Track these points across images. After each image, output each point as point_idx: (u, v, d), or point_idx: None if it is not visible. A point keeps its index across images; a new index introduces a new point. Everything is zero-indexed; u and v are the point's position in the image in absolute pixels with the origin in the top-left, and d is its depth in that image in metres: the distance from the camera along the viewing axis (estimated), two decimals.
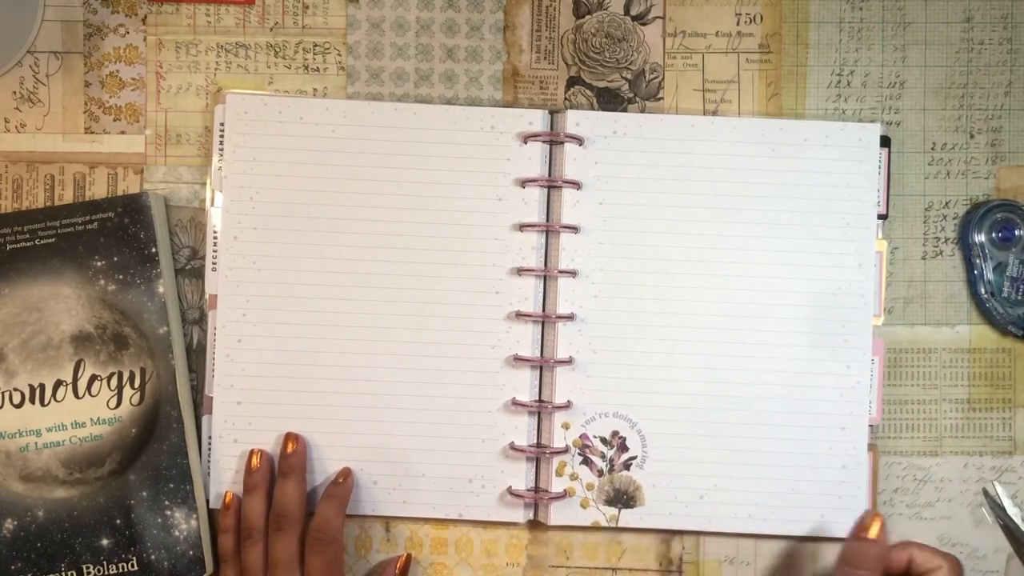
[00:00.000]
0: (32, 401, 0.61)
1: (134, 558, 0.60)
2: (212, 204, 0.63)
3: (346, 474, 0.62)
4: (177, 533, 0.61)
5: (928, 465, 0.64)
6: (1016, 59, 0.65)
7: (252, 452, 0.62)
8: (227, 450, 0.62)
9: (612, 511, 0.62)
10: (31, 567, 0.60)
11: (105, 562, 0.60)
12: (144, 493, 0.61)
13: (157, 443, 0.61)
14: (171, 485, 0.61)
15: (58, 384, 0.61)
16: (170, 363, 0.61)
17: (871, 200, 0.63)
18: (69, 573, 0.60)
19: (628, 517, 0.62)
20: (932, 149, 0.65)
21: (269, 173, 0.63)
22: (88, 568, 0.60)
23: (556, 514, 0.62)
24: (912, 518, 0.64)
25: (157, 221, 0.62)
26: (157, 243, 0.62)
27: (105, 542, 0.60)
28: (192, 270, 0.64)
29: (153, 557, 0.61)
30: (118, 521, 0.61)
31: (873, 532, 0.56)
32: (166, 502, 0.61)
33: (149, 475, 0.61)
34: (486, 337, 0.62)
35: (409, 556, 0.63)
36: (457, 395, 0.62)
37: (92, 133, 0.64)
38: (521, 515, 0.62)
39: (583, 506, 0.62)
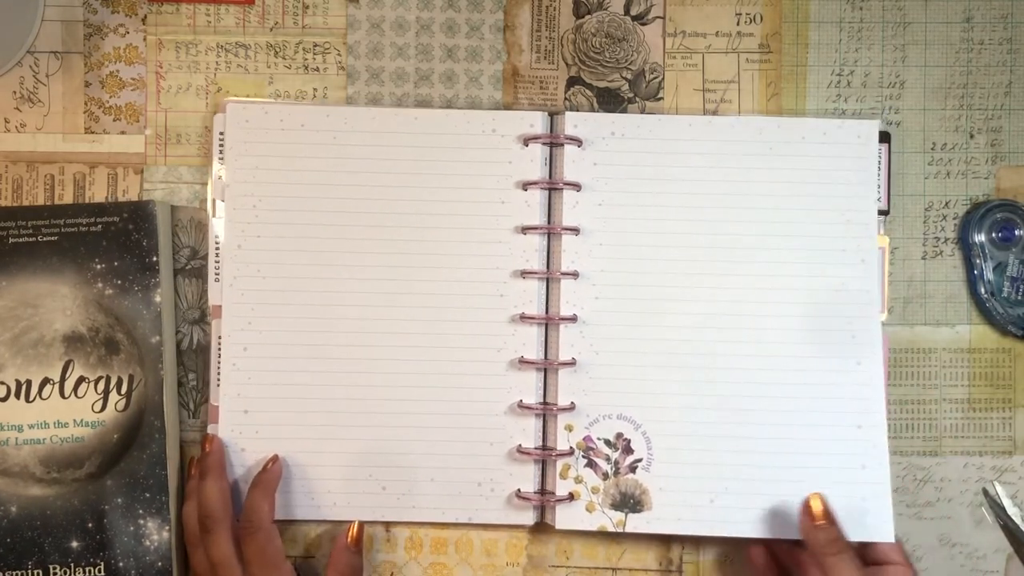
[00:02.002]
0: (17, 396, 0.61)
1: (102, 563, 0.60)
2: (213, 215, 0.63)
3: (273, 460, 0.61)
4: (148, 543, 0.61)
5: (928, 465, 0.64)
6: (1016, 59, 0.65)
7: (190, 460, 0.63)
8: (235, 459, 0.62)
9: (619, 515, 0.61)
10: None
11: (73, 564, 0.60)
12: (119, 500, 0.61)
13: (137, 451, 0.61)
14: (147, 495, 0.61)
15: (45, 382, 0.61)
16: (159, 373, 0.61)
17: (871, 196, 0.63)
18: (36, 572, 0.60)
19: (636, 522, 0.61)
20: (932, 149, 0.65)
21: (271, 181, 0.63)
22: (55, 569, 0.60)
23: (562, 517, 0.62)
24: (912, 518, 0.64)
25: (161, 231, 0.62)
26: (159, 253, 0.62)
27: (75, 544, 0.60)
28: (192, 270, 0.64)
29: (121, 564, 0.60)
30: (90, 525, 0.60)
31: (818, 514, 0.58)
32: (140, 511, 0.61)
33: (126, 482, 0.61)
34: (492, 340, 0.62)
35: (362, 524, 0.62)
36: (465, 399, 0.62)
37: (92, 133, 0.64)
38: (530, 517, 0.62)
39: (588, 510, 0.61)
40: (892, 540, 0.60)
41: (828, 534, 0.57)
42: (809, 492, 0.60)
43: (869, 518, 0.61)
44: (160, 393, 0.61)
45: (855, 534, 0.61)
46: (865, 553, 0.59)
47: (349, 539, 0.61)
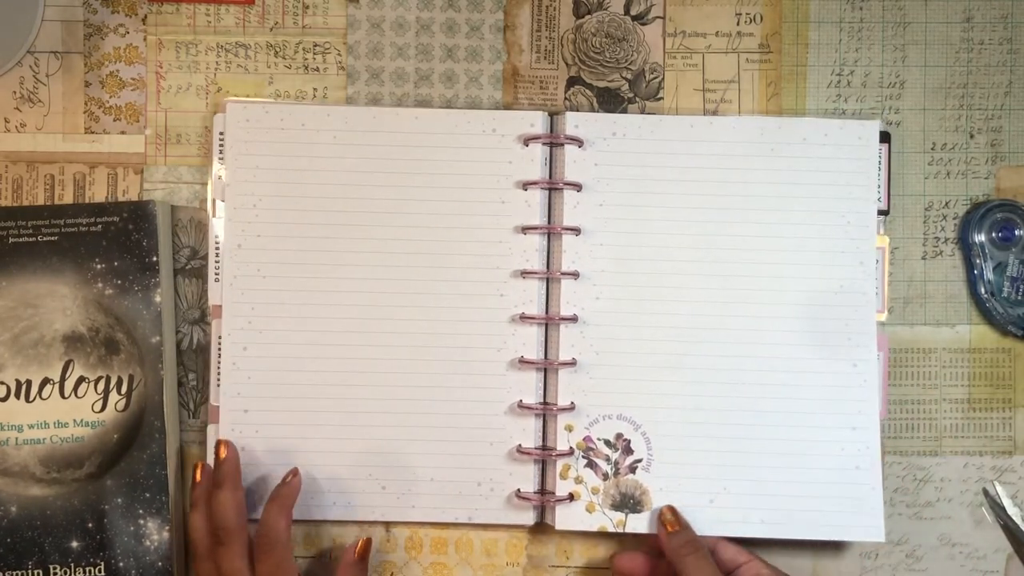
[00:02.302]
0: (17, 396, 0.61)
1: (102, 563, 0.60)
2: (213, 215, 0.63)
3: (293, 473, 0.60)
4: (148, 543, 0.61)
5: (928, 465, 0.64)
6: (1016, 59, 0.65)
7: (195, 466, 0.61)
8: None
9: (619, 516, 0.61)
10: None
11: (73, 564, 0.60)
12: (119, 500, 0.61)
13: (137, 451, 0.61)
14: (147, 494, 0.61)
15: (45, 382, 0.61)
16: (159, 373, 0.61)
17: (871, 198, 0.63)
18: (36, 572, 0.60)
19: (636, 522, 0.61)
20: (932, 149, 0.65)
21: (272, 180, 0.63)
22: (55, 569, 0.60)
23: (562, 518, 0.62)
24: (912, 518, 0.64)
25: (161, 231, 0.62)
26: (159, 253, 0.62)
27: (75, 544, 0.60)
28: (192, 270, 0.64)
29: (121, 564, 0.60)
30: (90, 525, 0.60)
31: (672, 521, 0.60)
32: (140, 511, 0.61)
33: (126, 482, 0.61)
34: (492, 340, 0.62)
35: (368, 540, 0.61)
36: (465, 399, 0.62)
37: (92, 133, 0.64)
38: (530, 517, 0.62)
39: (588, 510, 0.61)
40: (883, 540, 0.61)
41: (682, 537, 0.59)
42: (804, 491, 0.61)
43: (861, 518, 0.61)
44: (160, 393, 0.61)
45: (848, 534, 0.61)
46: (715, 560, 0.59)
47: (356, 555, 0.60)
